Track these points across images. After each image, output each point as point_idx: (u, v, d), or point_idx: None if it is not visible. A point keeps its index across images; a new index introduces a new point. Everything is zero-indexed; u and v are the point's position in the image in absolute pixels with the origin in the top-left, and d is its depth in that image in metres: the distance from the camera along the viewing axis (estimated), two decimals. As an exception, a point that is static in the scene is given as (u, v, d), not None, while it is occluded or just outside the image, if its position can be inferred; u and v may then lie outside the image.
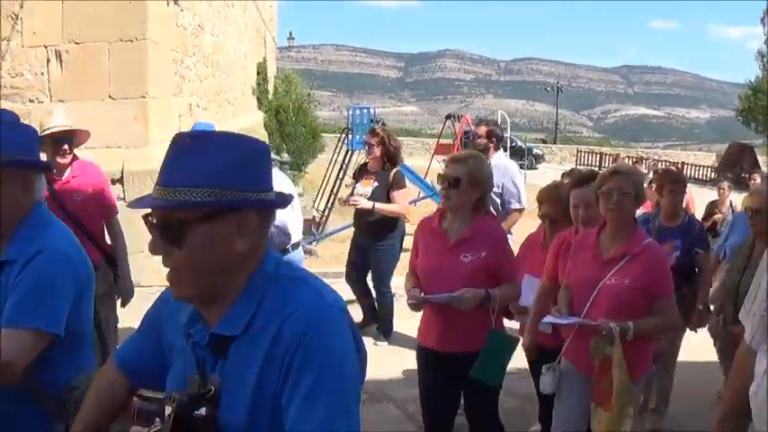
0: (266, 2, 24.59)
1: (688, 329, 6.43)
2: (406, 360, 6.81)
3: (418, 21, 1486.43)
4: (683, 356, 6.56)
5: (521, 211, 7.68)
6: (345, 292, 8.54)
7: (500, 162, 7.60)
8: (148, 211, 1.88)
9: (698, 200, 16.47)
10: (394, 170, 8.07)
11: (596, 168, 37.10)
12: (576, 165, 44.89)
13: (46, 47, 8.99)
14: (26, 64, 9.05)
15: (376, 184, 8.06)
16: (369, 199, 8.00)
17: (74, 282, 2.79)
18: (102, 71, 8.93)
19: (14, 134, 2.75)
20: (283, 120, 24.09)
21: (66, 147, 5.61)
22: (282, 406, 1.81)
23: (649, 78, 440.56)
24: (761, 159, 41.46)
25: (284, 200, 2.04)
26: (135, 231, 4.19)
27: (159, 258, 1.87)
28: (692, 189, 13.62)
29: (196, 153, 1.85)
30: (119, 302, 6.06)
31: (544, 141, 65.49)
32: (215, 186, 1.82)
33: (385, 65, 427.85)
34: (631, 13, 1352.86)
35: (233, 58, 16.54)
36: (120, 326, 6.12)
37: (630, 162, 27.51)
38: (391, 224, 8.14)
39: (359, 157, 23.02)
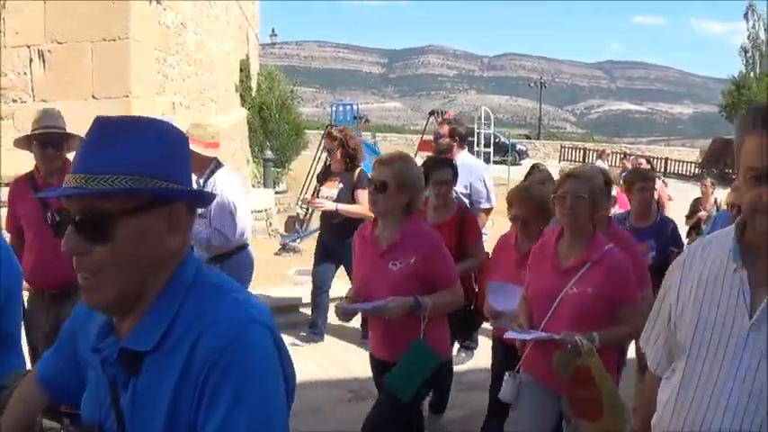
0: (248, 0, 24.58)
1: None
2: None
3: (403, 17, 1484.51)
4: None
5: (489, 210, 7.71)
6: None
7: (466, 161, 7.59)
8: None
9: (682, 196, 16.55)
10: (357, 170, 8.07)
11: (581, 164, 37.21)
12: (560, 160, 45.06)
13: (29, 47, 8.96)
14: (9, 64, 9.02)
15: (341, 185, 8.06)
16: (335, 200, 7.99)
17: None
18: (85, 71, 8.90)
19: None
20: (267, 117, 24.08)
21: (50, 150, 5.29)
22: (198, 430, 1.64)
23: (633, 74, 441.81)
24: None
25: (210, 196, 1.97)
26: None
27: None
28: (663, 184, 13.66)
29: (122, 139, 1.68)
30: None
31: (528, 137, 65.66)
32: (144, 175, 1.65)
33: (368, 61, 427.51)
34: (614, 9, 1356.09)
35: (216, 55, 16.51)
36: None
37: (618, 158, 27.59)
38: (357, 225, 8.16)
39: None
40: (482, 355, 7.03)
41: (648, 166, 11.74)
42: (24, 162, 5.71)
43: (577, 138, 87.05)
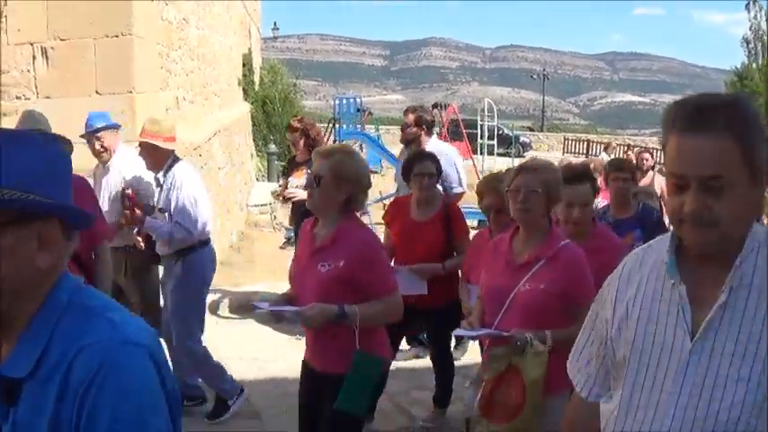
0: (251, -7, 24.54)
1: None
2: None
3: (404, 10, 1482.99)
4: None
5: (461, 194, 7.67)
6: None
7: (435, 147, 7.52)
8: None
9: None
10: None
11: (584, 156, 37.19)
12: (564, 152, 44.99)
13: (31, 44, 8.96)
14: (12, 61, 9.03)
15: (308, 173, 8.04)
16: (305, 189, 7.96)
17: None
18: (88, 67, 8.90)
19: None
20: (270, 110, 24.07)
21: None
22: None
23: (635, 65, 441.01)
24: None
25: (90, 218, 1.79)
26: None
27: None
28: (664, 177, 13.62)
29: None
30: None
31: (531, 129, 65.54)
32: (14, 188, 1.57)
33: (370, 53, 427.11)
34: (615, 1, 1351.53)
35: (218, 50, 16.49)
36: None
37: (622, 150, 27.55)
38: None
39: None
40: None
41: (652, 160, 11.66)
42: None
43: (580, 129, 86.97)
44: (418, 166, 6.18)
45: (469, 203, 9.52)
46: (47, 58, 8.95)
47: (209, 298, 9.53)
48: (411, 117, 7.69)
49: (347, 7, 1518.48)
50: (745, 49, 52.19)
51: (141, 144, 6.28)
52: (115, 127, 6.86)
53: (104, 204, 6.50)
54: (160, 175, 6.28)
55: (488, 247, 4.47)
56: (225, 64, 17.77)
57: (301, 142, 8.13)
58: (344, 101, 23.99)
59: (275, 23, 49.67)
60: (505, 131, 42.45)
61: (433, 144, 7.64)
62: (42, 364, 1.60)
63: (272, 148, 21.66)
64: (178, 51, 11.78)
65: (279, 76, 26.68)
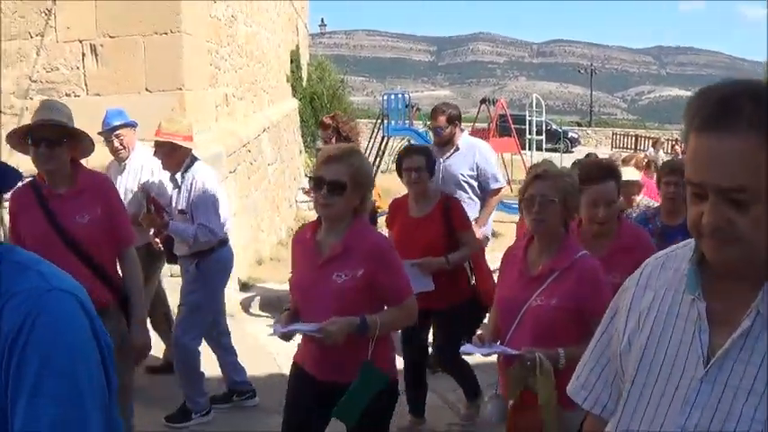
0: (298, -10, 24.56)
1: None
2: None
3: (451, 5, 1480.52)
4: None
5: (499, 190, 7.40)
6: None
7: (467, 142, 7.33)
8: None
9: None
10: None
11: (632, 152, 36.73)
12: (612, 148, 44.52)
13: (81, 41, 8.99)
14: (61, 59, 9.06)
15: None
16: None
17: None
18: (137, 64, 8.92)
19: None
20: (318, 106, 24.09)
21: (43, 148, 4.38)
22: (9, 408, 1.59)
23: (682, 59, 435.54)
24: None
25: (18, 176, 1.83)
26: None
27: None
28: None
29: None
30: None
31: (579, 124, 65.11)
32: None
33: (417, 49, 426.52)
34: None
35: (267, 47, 16.50)
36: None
37: (670, 145, 27.12)
38: None
39: (395, 143, 23.10)
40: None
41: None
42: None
43: (628, 124, 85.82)
44: (406, 161, 5.98)
45: (513, 199, 9.36)
46: (96, 55, 8.99)
47: (241, 296, 9.53)
48: (442, 119, 7.16)
49: (394, 4, 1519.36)
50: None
51: (158, 144, 6.09)
52: (133, 125, 6.80)
53: None
54: (178, 175, 6.15)
55: (504, 256, 4.25)
56: (273, 60, 17.79)
57: (333, 140, 7.96)
58: (392, 96, 23.84)
59: (322, 20, 49.99)
60: (554, 127, 42.19)
61: (465, 139, 7.41)
62: None
63: (320, 144, 21.63)
64: (227, 48, 11.77)
65: (326, 73, 26.72)
